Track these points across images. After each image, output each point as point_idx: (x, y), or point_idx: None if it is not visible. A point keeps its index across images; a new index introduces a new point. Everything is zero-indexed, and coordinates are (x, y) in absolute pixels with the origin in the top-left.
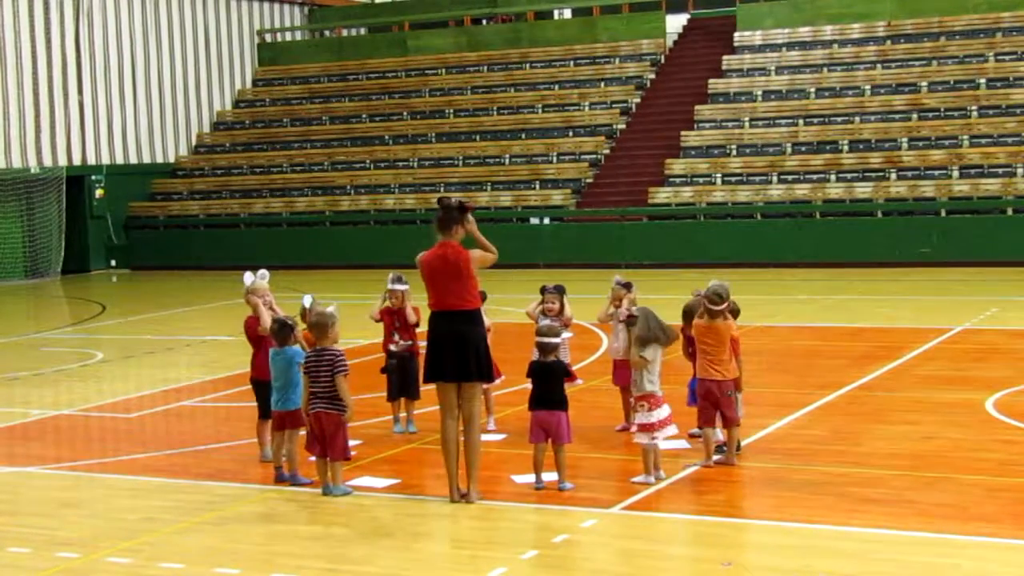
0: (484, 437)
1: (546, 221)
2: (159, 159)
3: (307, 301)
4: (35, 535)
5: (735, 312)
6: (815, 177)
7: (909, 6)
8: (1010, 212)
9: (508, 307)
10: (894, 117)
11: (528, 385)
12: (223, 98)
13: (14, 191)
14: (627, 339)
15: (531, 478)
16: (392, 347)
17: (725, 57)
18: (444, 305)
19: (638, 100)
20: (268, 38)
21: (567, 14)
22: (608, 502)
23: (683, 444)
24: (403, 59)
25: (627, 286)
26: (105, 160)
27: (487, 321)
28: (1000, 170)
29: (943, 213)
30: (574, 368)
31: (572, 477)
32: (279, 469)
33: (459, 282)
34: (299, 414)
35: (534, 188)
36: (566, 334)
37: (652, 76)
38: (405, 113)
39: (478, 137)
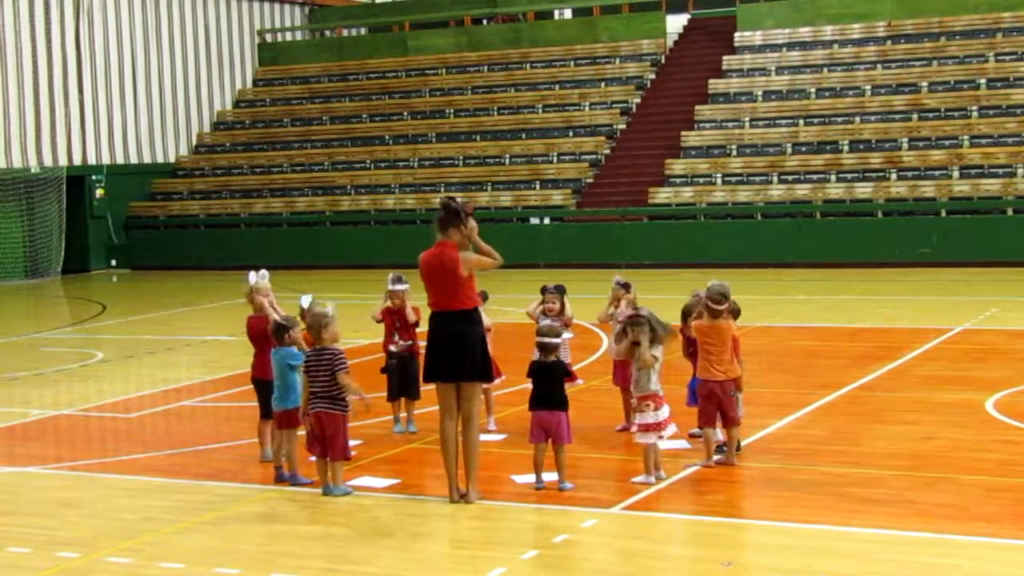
0: (485, 437)
1: (546, 221)
2: (159, 159)
3: (305, 301)
4: (35, 535)
5: (736, 312)
6: (815, 177)
7: (909, 6)
8: (1010, 212)
9: (508, 307)
10: (894, 117)
11: (528, 385)
12: (223, 98)
13: (14, 191)
14: (624, 340)
15: (531, 478)
16: (392, 348)
17: (725, 57)
18: (442, 305)
19: (638, 100)
20: (268, 38)
21: (567, 14)
22: (608, 502)
23: (683, 444)
24: (403, 59)
25: (626, 286)
26: (105, 160)
27: (488, 321)
28: (1000, 170)
29: (943, 213)
30: (575, 368)
31: (572, 477)
32: (279, 469)
33: (454, 282)
34: (294, 414)
35: (534, 188)
36: (567, 334)
37: (652, 76)
38: (405, 113)
39: (478, 137)
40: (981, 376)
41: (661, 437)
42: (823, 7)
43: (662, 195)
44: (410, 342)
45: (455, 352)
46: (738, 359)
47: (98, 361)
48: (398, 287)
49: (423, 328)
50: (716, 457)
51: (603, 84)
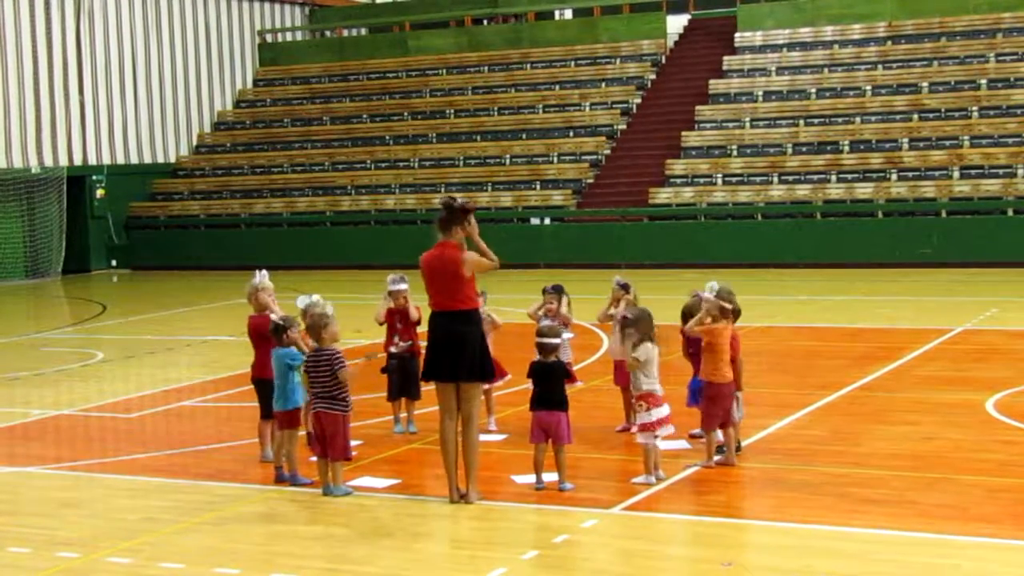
0: (485, 437)
1: (547, 221)
2: (160, 159)
3: (300, 302)
4: (35, 535)
5: (736, 313)
6: (816, 178)
7: (910, 7)
8: (1010, 213)
9: (508, 307)
10: (895, 118)
11: (528, 385)
12: (224, 98)
13: (15, 191)
14: (621, 340)
15: (531, 478)
16: (392, 348)
17: (726, 57)
18: (442, 305)
19: (639, 100)
20: (269, 38)
21: (568, 14)
22: (608, 502)
23: (683, 444)
24: (404, 59)
25: (625, 287)
26: (106, 160)
27: (497, 319)
28: (1001, 171)
29: (944, 214)
30: (575, 368)
31: (572, 477)
32: (279, 469)
33: (455, 282)
34: (295, 414)
35: (535, 188)
36: (566, 334)
37: (653, 76)
38: (406, 113)
39: (479, 137)
40: (981, 376)
41: (656, 436)
42: (824, 7)
43: (662, 195)
44: (410, 342)
45: (455, 352)
46: (738, 359)
47: (98, 361)
48: (400, 286)
49: (423, 328)
50: (716, 458)
51: (603, 84)
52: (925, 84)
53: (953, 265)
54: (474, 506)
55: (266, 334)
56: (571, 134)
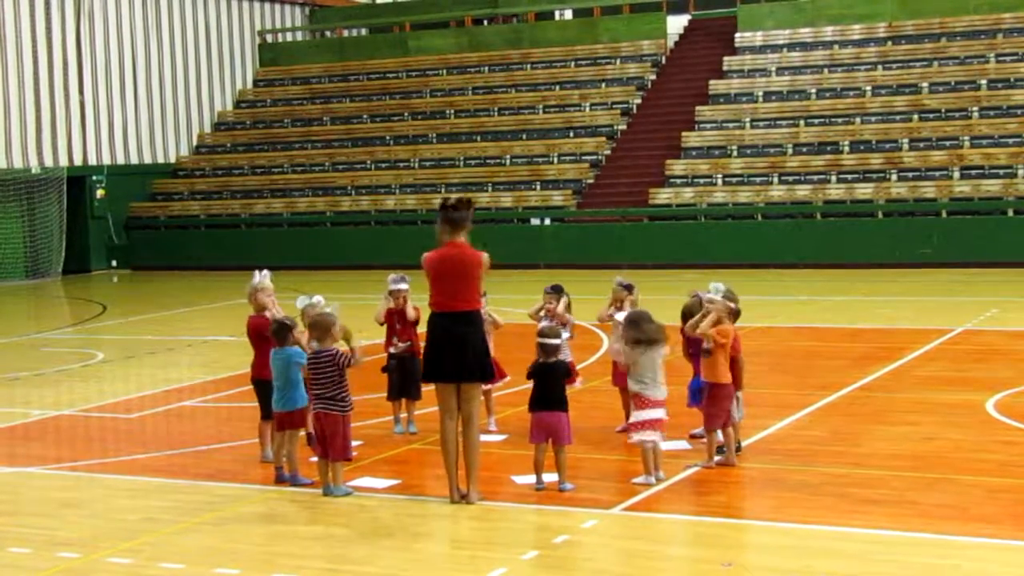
0: (485, 438)
1: (547, 222)
2: (160, 159)
3: (300, 303)
4: (35, 535)
5: (737, 313)
6: (816, 178)
7: (910, 7)
8: (1011, 213)
9: (508, 307)
10: (895, 118)
11: (528, 385)
12: (224, 98)
13: (15, 191)
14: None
15: (532, 479)
16: (392, 349)
17: (726, 58)
18: (447, 306)
19: (639, 101)
20: (269, 38)
21: (568, 15)
22: (608, 503)
23: (683, 445)
24: (404, 59)
25: (628, 288)
26: (106, 160)
27: (499, 319)
28: (1001, 171)
29: (944, 214)
30: (576, 368)
31: (572, 478)
32: (279, 469)
33: (466, 283)
34: (298, 414)
35: (535, 189)
36: (566, 334)
37: (653, 77)
38: (406, 114)
39: (479, 138)
40: (981, 377)
41: (631, 438)
42: (824, 8)
43: (663, 196)
44: (409, 342)
45: (456, 352)
46: (739, 359)
47: (99, 361)
48: (401, 286)
49: (422, 328)
50: (716, 458)
51: (604, 85)
52: (925, 84)
53: (953, 265)
54: (474, 506)
55: (265, 334)
56: (571, 134)
